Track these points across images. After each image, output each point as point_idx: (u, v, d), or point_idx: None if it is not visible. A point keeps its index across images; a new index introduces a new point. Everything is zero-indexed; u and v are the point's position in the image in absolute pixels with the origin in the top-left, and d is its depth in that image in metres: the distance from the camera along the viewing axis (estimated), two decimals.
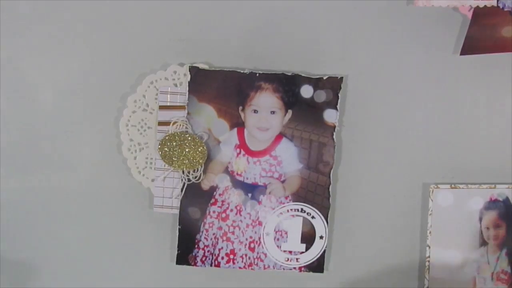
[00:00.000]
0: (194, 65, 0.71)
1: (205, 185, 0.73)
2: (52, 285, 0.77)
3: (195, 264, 0.75)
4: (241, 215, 0.74)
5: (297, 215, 0.74)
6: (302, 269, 0.75)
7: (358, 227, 0.76)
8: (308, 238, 0.74)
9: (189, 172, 0.73)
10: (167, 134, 0.72)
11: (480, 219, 0.75)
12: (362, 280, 0.78)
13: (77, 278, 0.77)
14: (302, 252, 0.75)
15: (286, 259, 0.75)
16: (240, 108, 0.72)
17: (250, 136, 0.72)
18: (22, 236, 0.75)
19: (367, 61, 0.72)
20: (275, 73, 0.71)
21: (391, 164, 0.75)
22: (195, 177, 0.73)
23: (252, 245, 0.75)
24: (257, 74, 0.71)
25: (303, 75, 0.71)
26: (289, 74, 0.71)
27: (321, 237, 0.74)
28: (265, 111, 0.72)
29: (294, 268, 0.75)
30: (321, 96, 0.71)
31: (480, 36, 0.70)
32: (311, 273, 0.75)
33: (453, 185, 0.74)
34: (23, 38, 0.71)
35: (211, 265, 0.75)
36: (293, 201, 0.74)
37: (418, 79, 0.73)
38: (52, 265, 0.76)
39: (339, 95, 0.71)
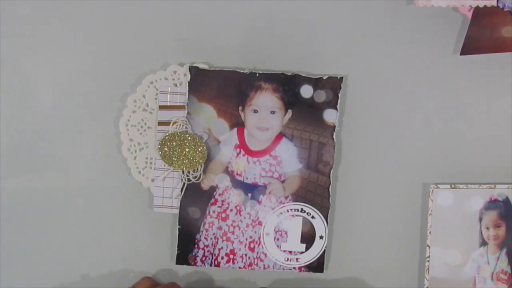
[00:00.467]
0: (194, 65, 0.71)
1: (205, 185, 0.73)
2: (52, 285, 0.77)
3: (195, 264, 0.75)
4: (241, 215, 0.74)
5: (297, 215, 0.74)
6: (302, 269, 0.75)
7: (358, 227, 0.76)
8: (308, 238, 0.74)
9: (189, 172, 0.73)
10: (167, 134, 0.72)
11: (480, 219, 0.75)
12: (362, 280, 0.77)
13: (77, 278, 0.77)
14: (302, 252, 0.75)
15: (286, 259, 0.75)
16: (240, 108, 0.72)
17: (250, 136, 0.72)
18: (22, 236, 0.75)
19: (367, 61, 0.72)
20: (275, 73, 0.71)
21: (391, 164, 0.75)
22: (195, 177, 0.73)
23: (252, 245, 0.75)
24: (257, 74, 0.71)
25: (303, 75, 0.71)
26: (289, 74, 0.71)
27: (321, 237, 0.74)
28: (265, 111, 0.72)
29: (294, 268, 0.75)
30: (321, 96, 0.71)
31: (480, 36, 0.70)
32: (311, 273, 0.75)
33: (453, 185, 0.74)
34: (23, 38, 0.71)
35: (211, 265, 0.75)
36: (293, 201, 0.74)
37: (418, 79, 0.73)
38: (52, 265, 0.76)
39: (339, 95, 0.71)
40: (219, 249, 0.74)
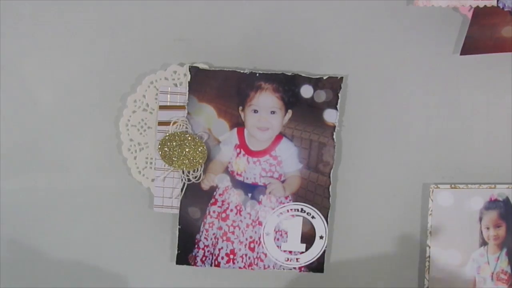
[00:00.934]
0: (194, 65, 0.71)
1: (205, 185, 0.73)
2: (52, 285, 0.77)
3: (195, 264, 0.75)
4: (241, 215, 0.74)
5: (297, 215, 0.74)
6: (302, 269, 0.75)
7: (358, 227, 0.76)
8: (308, 238, 0.74)
9: (189, 172, 0.73)
10: (167, 134, 0.72)
11: (480, 219, 0.75)
12: (362, 280, 0.78)
13: (77, 277, 0.77)
14: (302, 252, 0.75)
15: (286, 259, 0.75)
16: (240, 108, 0.72)
17: (250, 136, 0.72)
18: (22, 236, 0.75)
19: (367, 61, 0.72)
20: (275, 73, 0.71)
21: (391, 164, 0.75)
22: (195, 177, 0.73)
23: (252, 245, 0.75)
24: (257, 74, 0.71)
25: (303, 75, 0.71)
26: (289, 74, 0.71)
27: (321, 237, 0.74)
28: (265, 111, 0.72)
29: (294, 268, 0.75)
30: (321, 96, 0.71)
31: (480, 36, 0.70)
32: (311, 273, 0.75)
33: (453, 185, 0.74)
34: (23, 38, 0.71)
35: (211, 265, 0.75)
36: (293, 201, 0.74)
37: (418, 79, 0.73)
38: (52, 265, 0.76)
39: (339, 95, 0.71)
40: (219, 249, 0.74)
